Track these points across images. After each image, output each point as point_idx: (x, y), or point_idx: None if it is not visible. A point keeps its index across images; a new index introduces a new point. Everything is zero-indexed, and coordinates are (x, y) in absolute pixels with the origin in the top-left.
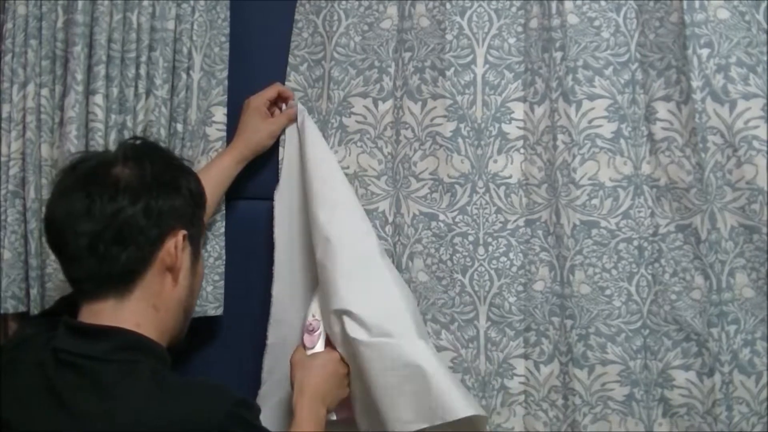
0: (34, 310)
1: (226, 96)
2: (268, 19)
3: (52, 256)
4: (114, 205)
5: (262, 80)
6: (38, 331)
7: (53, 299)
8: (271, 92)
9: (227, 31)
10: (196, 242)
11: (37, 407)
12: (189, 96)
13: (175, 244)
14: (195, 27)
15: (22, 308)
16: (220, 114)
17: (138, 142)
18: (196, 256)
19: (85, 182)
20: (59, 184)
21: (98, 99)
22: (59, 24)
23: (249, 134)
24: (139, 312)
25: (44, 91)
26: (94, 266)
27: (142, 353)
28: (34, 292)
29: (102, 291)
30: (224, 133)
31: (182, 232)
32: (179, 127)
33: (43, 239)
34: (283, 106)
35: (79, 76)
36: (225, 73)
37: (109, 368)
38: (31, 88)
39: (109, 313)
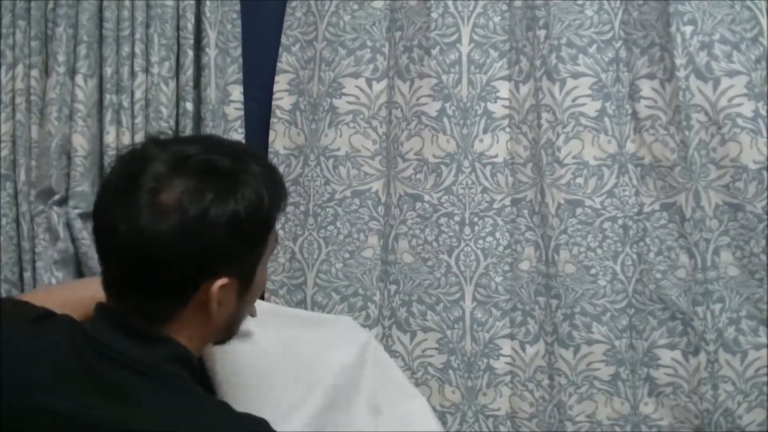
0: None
1: (241, 74)
2: None
3: (42, 236)
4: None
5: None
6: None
7: (43, 279)
8: None
9: (238, 7)
10: (245, 278)
11: (77, 395)
12: (206, 74)
13: (209, 296)
14: (208, 3)
15: (15, 292)
16: (236, 93)
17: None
18: (244, 288)
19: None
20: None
21: (79, 80)
22: (51, 5)
23: None
24: (183, 327)
25: (34, 72)
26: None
27: (186, 369)
28: (27, 275)
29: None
30: (242, 113)
31: (219, 283)
32: (188, 106)
33: (36, 220)
34: None
35: (61, 57)
36: (239, 51)
37: (153, 379)
38: (20, 69)
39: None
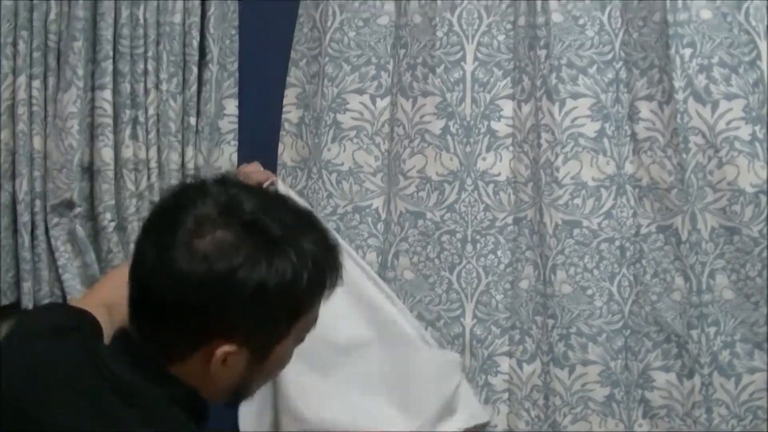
0: (27, 304)
1: (237, 88)
2: (274, 14)
3: (62, 248)
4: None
5: (268, 72)
6: (68, 323)
7: (46, 294)
8: (263, 176)
9: (237, 23)
10: (258, 352)
11: (72, 415)
12: (208, 89)
13: (213, 356)
14: (212, 20)
15: (5, 301)
16: (231, 106)
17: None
18: (257, 361)
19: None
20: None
21: (107, 94)
22: (51, 16)
23: None
24: (191, 374)
25: (36, 83)
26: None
27: (189, 412)
28: (27, 285)
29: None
30: (236, 126)
31: (226, 348)
32: (192, 120)
33: (37, 231)
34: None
35: (80, 71)
36: (236, 65)
37: (151, 414)
38: (22, 79)
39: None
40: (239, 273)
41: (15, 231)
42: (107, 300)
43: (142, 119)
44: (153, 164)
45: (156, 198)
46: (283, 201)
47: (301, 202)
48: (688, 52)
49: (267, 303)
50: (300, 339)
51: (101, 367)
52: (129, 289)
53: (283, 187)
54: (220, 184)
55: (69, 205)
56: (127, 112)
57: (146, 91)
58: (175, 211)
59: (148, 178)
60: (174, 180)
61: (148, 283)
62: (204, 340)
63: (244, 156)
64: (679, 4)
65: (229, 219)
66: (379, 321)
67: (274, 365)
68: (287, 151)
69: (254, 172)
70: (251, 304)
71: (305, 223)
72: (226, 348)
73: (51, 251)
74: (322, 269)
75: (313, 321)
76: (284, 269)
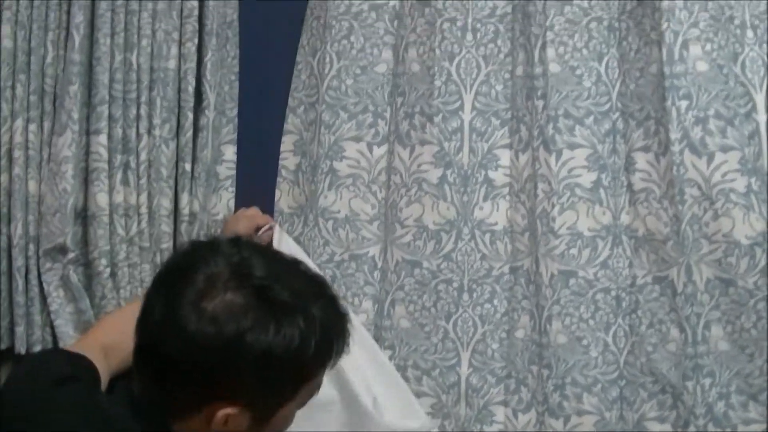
0: (21, 349)
1: (236, 134)
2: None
3: (54, 293)
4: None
5: (266, 118)
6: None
7: (39, 339)
8: (262, 220)
9: (237, 69)
10: (261, 414)
11: None
12: (205, 135)
13: (214, 418)
14: (209, 66)
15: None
16: (230, 152)
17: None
18: (259, 423)
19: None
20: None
21: (102, 139)
22: (48, 59)
23: None
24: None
25: (32, 127)
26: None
27: None
28: (20, 330)
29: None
30: (233, 172)
31: (228, 410)
32: (187, 166)
33: (30, 276)
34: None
35: (76, 115)
36: (235, 111)
37: None
38: (19, 123)
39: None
40: (247, 337)
41: (10, 275)
42: (104, 343)
43: (133, 164)
44: (144, 210)
45: (146, 244)
46: (294, 265)
47: (296, 248)
48: (684, 104)
49: (273, 368)
50: (302, 403)
51: (104, 420)
52: (135, 341)
53: (279, 233)
54: (233, 244)
55: (62, 250)
56: (119, 157)
57: (138, 136)
58: (186, 269)
59: (139, 223)
60: (165, 226)
61: (155, 338)
62: (207, 400)
63: (242, 202)
64: (676, 56)
65: (240, 282)
66: (341, 381)
67: (275, 429)
68: (284, 198)
69: (254, 216)
70: (257, 369)
71: (315, 289)
72: (228, 410)
73: (44, 296)
74: (329, 336)
75: (317, 386)
76: (292, 335)
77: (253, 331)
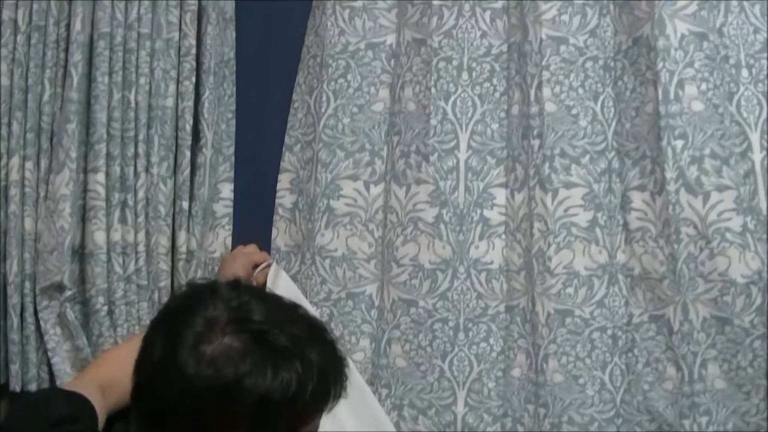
0: (15, 386)
1: (233, 172)
2: (269, 98)
3: (51, 331)
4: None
5: (262, 156)
6: None
7: (33, 377)
8: (260, 257)
9: (234, 107)
10: None
11: None
12: (202, 174)
13: None
14: (206, 104)
15: None
16: (227, 190)
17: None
18: None
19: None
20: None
21: (100, 177)
22: (45, 97)
23: None
24: None
25: (29, 164)
26: None
27: None
28: (15, 367)
29: None
30: (230, 210)
31: None
32: (184, 204)
33: (26, 314)
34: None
35: (74, 154)
36: (232, 150)
37: None
38: (15, 160)
39: None
40: (245, 381)
41: (5, 313)
42: (102, 381)
43: (131, 202)
44: (141, 248)
45: (143, 282)
46: (293, 310)
47: (293, 285)
48: (679, 143)
49: (270, 412)
50: None
51: None
52: (133, 382)
53: (276, 269)
54: (232, 288)
55: (59, 287)
56: (117, 195)
57: (136, 175)
58: (185, 312)
59: (136, 261)
60: (163, 264)
61: (153, 380)
62: None
63: (239, 240)
64: (671, 95)
65: (239, 326)
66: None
67: None
68: (281, 236)
69: (252, 253)
70: (254, 413)
71: (314, 334)
72: None
73: (40, 334)
74: (326, 382)
75: (315, 430)
76: (289, 380)
77: (251, 375)
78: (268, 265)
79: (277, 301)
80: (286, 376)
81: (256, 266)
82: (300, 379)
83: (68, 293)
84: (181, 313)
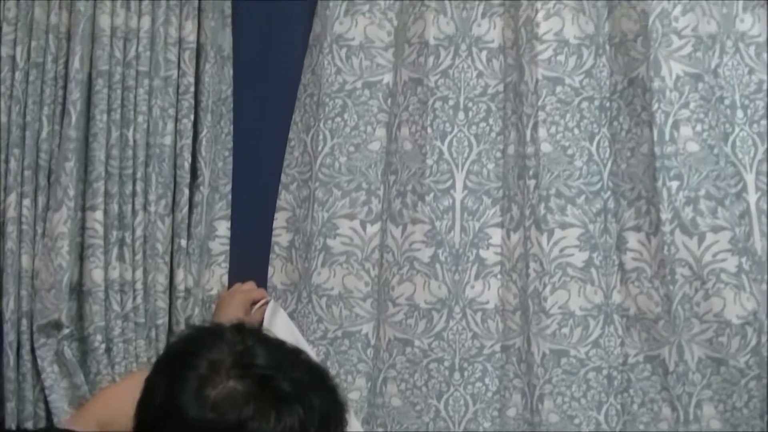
0: (11, 424)
1: (229, 210)
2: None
3: (48, 368)
4: None
5: (259, 194)
6: None
7: (30, 414)
8: (257, 294)
9: (230, 145)
10: None
11: None
12: (199, 212)
13: None
14: (204, 142)
15: None
16: (223, 228)
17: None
18: None
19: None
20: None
21: (98, 215)
22: (43, 134)
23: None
24: None
25: (26, 202)
26: None
27: None
28: (11, 405)
29: None
30: (227, 248)
31: None
32: (182, 242)
33: (22, 351)
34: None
35: (71, 192)
36: (228, 188)
37: None
38: (13, 197)
39: None
40: (248, 425)
41: (1, 350)
42: (99, 419)
43: (129, 240)
44: (139, 285)
45: (141, 319)
46: (296, 355)
47: (289, 323)
48: (675, 184)
49: None
50: None
51: None
52: (134, 423)
53: (274, 307)
54: (236, 332)
55: (57, 325)
56: (115, 233)
57: (134, 213)
58: (189, 354)
59: (134, 299)
60: (161, 302)
61: (155, 422)
62: None
63: (235, 278)
64: (666, 136)
65: (243, 371)
66: None
67: None
68: (277, 275)
69: (250, 290)
70: None
71: (316, 379)
72: None
73: (36, 371)
74: (327, 426)
75: None
76: (292, 425)
77: (254, 419)
78: (266, 303)
79: (279, 345)
80: (289, 421)
81: (254, 303)
82: (302, 423)
83: (66, 331)
84: (185, 355)
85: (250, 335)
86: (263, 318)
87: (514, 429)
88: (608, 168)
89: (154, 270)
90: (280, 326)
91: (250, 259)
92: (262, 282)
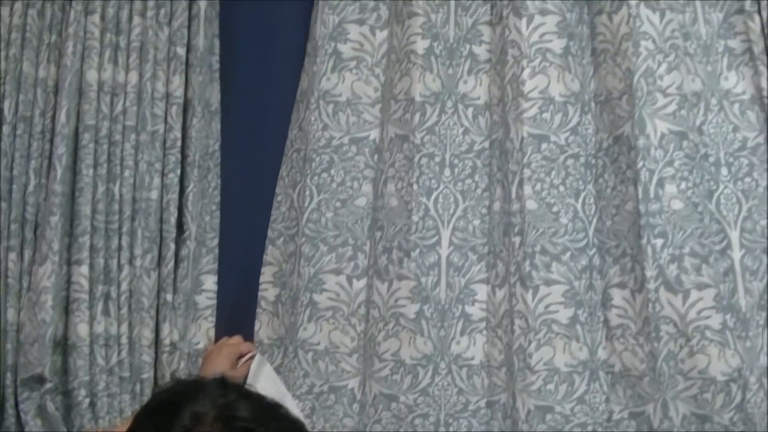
0: None
1: (216, 264)
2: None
3: (31, 422)
4: None
5: (246, 249)
6: None
7: None
8: (244, 348)
9: (218, 199)
10: None
11: None
12: (185, 266)
13: None
14: (191, 197)
15: None
16: (210, 282)
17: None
18: None
19: None
20: None
21: (84, 270)
22: (30, 188)
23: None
24: None
25: (12, 255)
26: None
27: None
28: None
29: None
30: (214, 301)
31: None
32: (168, 296)
33: (6, 405)
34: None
35: (56, 246)
36: (216, 242)
37: None
38: None
39: None
40: None
41: None
42: None
43: (114, 295)
44: (124, 340)
45: (126, 374)
46: (276, 409)
47: (275, 377)
48: (659, 242)
49: None
50: None
51: None
52: None
53: (259, 361)
54: (219, 385)
55: (40, 379)
56: (100, 287)
57: (120, 267)
58: (172, 405)
59: (119, 353)
60: (146, 356)
61: None
62: None
63: (222, 332)
64: (651, 194)
65: (226, 424)
66: None
67: None
68: (263, 329)
69: (237, 344)
70: None
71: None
72: None
73: (20, 425)
74: None
75: None
76: None
77: None
78: (252, 357)
79: (260, 399)
80: None
81: (240, 357)
82: None
83: (48, 385)
84: (168, 407)
85: (233, 389)
86: (248, 372)
87: None
88: (593, 225)
89: (140, 324)
90: (265, 380)
91: (237, 313)
92: (249, 336)
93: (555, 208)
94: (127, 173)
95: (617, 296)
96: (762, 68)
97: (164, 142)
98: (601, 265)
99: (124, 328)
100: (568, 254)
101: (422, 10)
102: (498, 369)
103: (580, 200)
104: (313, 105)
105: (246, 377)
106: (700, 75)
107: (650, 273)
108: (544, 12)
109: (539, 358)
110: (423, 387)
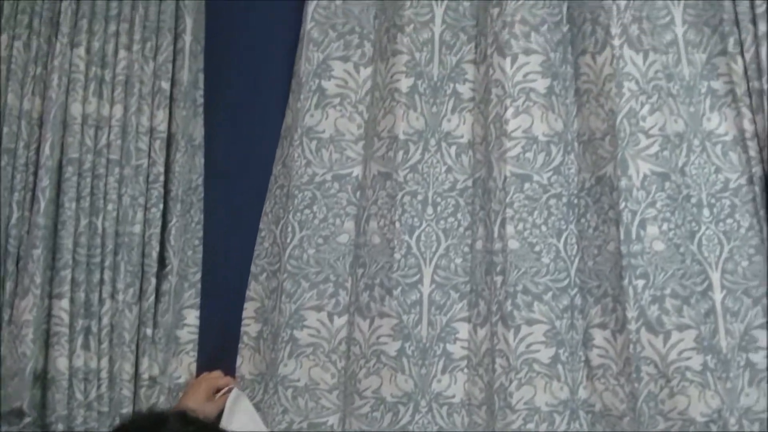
0: None
1: (199, 299)
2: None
3: None
4: None
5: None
6: None
7: None
8: (223, 382)
9: (201, 234)
10: None
11: None
12: (167, 300)
13: None
14: (173, 231)
15: None
16: (192, 317)
17: None
18: None
19: None
20: None
21: (64, 303)
22: (13, 220)
23: (193, 408)
24: None
25: None
26: None
27: None
28: None
29: None
30: (196, 336)
31: None
32: (148, 331)
33: None
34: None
35: (38, 279)
36: (198, 276)
37: None
38: None
39: None
40: None
41: None
42: None
43: (95, 329)
44: (104, 374)
45: (105, 408)
46: None
47: (252, 410)
48: (641, 283)
49: None
50: None
51: None
52: None
53: (236, 394)
54: (179, 419)
55: (19, 413)
56: (81, 321)
57: (101, 301)
58: None
59: (98, 388)
60: (126, 391)
61: None
62: None
63: (203, 367)
64: (633, 235)
65: None
66: None
67: None
68: (245, 364)
69: (216, 378)
70: None
71: None
72: None
73: None
74: None
75: None
76: None
77: None
78: (230, 390)
79: None
80: None
81: (218, 391)
82: None
83: (27, 419)
84: None
85: (192, 423)
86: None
87: None
88: (575, 265)
89: (120, 358)
90: (242, 414)
91: (219, 348)
92: (230, 371)
93: (537, 248)
94: (110, 207)
95: (598, 336)
96: (744, 109)
97: (147, 176)
98: (582, 305)
99: (105, 362)
100: (550, 294)
101: (407, 49)
102: (478, 408)
103: (562, 240)
104: (296, 141)
105: (222, 411)
106: (682, 116)
107: (631, 314)
108: (528, 51)
109: (520, 397)
110: (403, 424)
